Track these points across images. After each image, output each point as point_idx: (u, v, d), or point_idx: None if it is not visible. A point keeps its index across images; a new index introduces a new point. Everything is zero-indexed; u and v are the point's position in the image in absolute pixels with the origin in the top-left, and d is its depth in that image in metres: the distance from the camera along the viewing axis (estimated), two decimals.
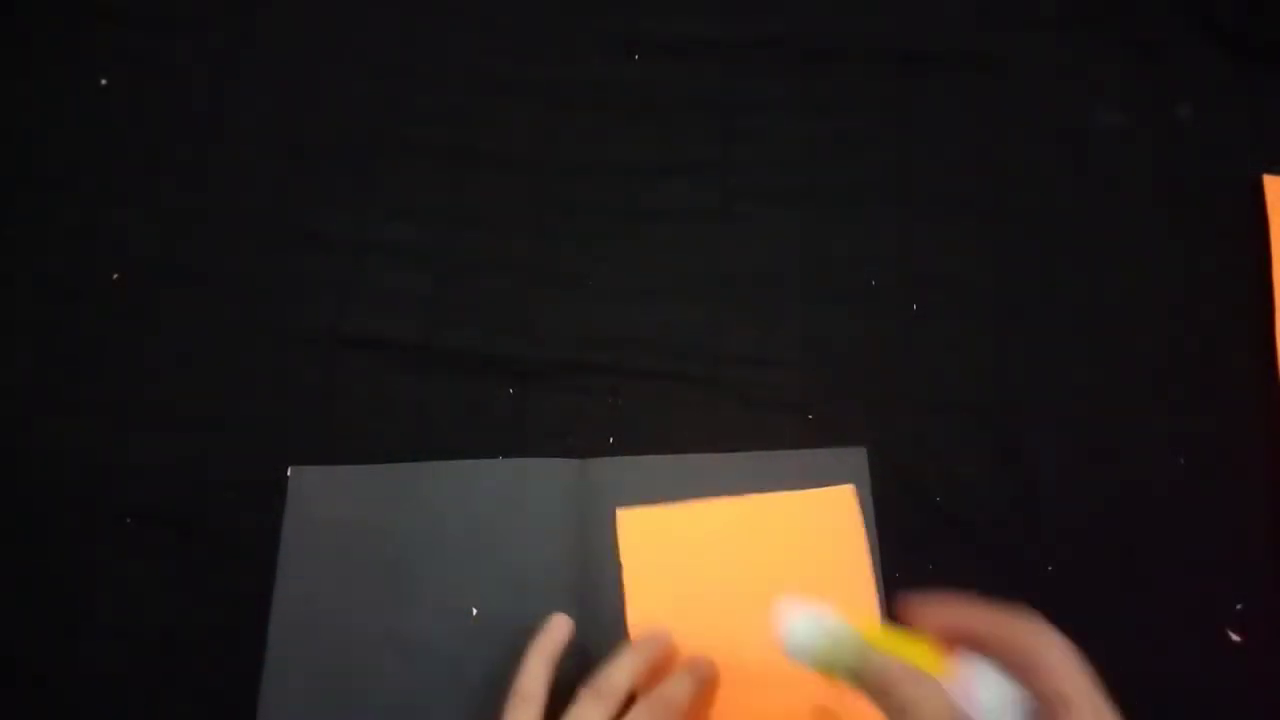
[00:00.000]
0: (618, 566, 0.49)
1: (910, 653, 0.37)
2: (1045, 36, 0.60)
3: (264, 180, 0.56)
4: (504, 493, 0.51)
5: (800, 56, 0.60)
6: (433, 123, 0.58)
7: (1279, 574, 0.50)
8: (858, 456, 0.51)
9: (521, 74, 0.59)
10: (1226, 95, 0.59)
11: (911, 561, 0.50)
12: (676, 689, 0.44)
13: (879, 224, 0.57)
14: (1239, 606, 0.50)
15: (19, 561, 0.50)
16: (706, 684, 0.46)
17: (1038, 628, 0.36)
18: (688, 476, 0.51)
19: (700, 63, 0.59)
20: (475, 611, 0.49)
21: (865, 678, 0.36)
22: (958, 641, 0.37)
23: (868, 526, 0.50)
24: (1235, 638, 0.50)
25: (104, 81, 0.58)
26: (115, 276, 0.55)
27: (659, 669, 0.46)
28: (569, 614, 0.47)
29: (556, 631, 0.46)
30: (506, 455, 0.51)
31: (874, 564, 0.50)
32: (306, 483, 0.51)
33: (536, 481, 0.51)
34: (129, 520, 0.50)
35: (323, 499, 0.50)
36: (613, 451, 0.52)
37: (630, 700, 0.44)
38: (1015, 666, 0.35)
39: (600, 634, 0.48)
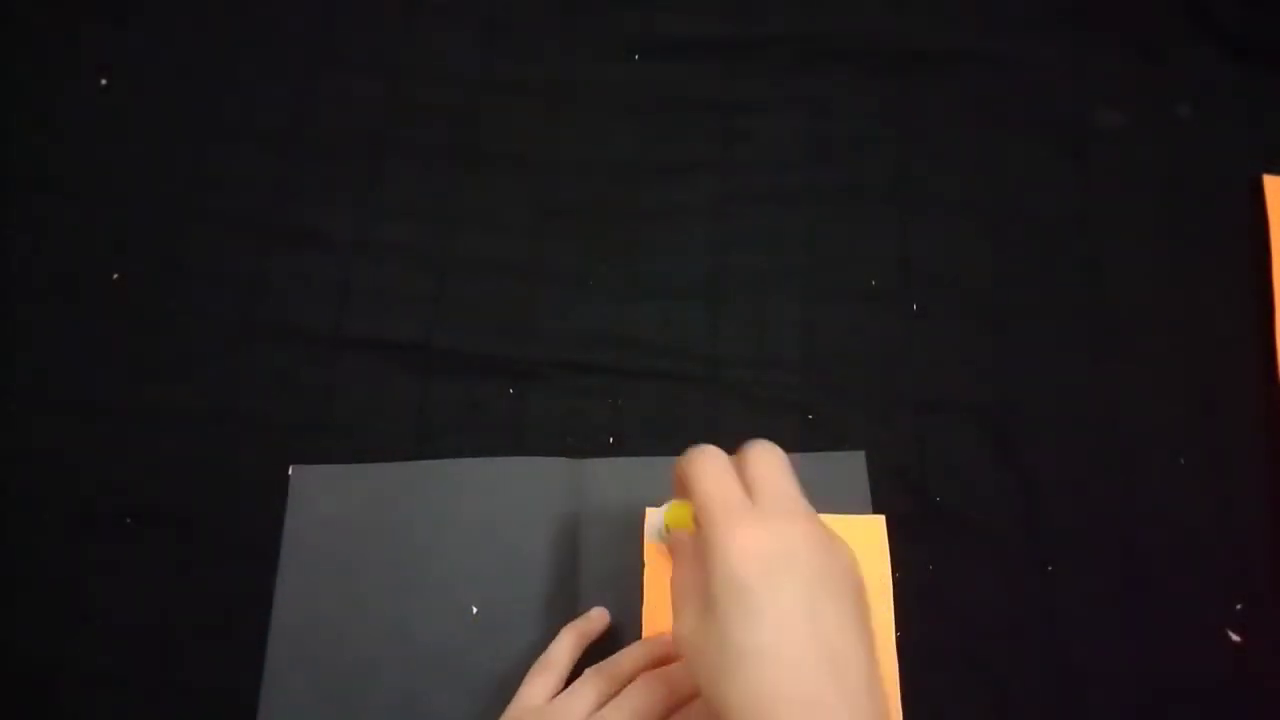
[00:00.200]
0: (620, 567, 0.49)
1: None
2: (1045, 36, 0.60)
3: (264, 180, 0.57)
4: (504, 493, 0.51)
5: (800, 56, 0.60)
6: (433, 123, 0.58)
7: (1279, 574, 0.50)
8: (856, 460, 0.51)
9: (521, 74, 0.59)
10: (1226, 95, 0.59)
11: (911, 561, 0.50)
12: (678, 672, 0.44)
13: (879, 224, 0.57)
14: (1239, 606, 0.50)
15: (19, 561, 0.50)
16: None
17: (690, 452, 0.39)
18: None
19: (700, 63, 0.59)
20: (475, 610, 0.49)
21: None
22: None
23: None
24: (1235, 638, 0.50)
25: (104, 81, 0.58)
26: (115, 276, 0.55)
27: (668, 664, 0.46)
28: (568, 614, 0.47)
29: (595, 619, 0.47)
30: (506, 455, 0.51)
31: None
32: (308, 482, 0.51)
33: (536, 481, 0.51)
34: (129, 520, 0.50)
35: (324, 498, 0.50)
36: (613, 451, 0.52)
37: None
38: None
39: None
